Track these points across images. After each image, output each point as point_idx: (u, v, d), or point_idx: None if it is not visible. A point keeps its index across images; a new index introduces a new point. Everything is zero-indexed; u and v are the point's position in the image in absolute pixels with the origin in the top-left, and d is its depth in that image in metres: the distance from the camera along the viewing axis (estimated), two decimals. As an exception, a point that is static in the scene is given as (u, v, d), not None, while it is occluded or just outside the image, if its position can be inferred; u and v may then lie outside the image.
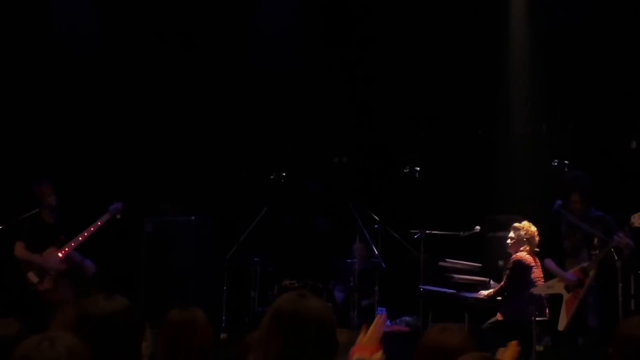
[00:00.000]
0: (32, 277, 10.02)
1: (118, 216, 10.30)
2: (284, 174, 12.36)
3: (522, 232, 9.86)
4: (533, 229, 9.86)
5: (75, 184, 11.83)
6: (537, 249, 9.86)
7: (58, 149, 12.94)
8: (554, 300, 9.22)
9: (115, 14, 13.30)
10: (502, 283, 9.91)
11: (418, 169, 12.68)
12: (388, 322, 11.29)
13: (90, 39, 13.18)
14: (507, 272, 9.79)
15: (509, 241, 9.95)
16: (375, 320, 3.72)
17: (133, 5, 13.33)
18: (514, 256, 9.78)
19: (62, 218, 10.36)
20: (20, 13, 12.91)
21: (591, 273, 8.79)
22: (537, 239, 9.83)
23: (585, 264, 8.85)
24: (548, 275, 9.42)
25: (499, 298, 9.97)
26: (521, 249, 9.83)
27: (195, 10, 13.47)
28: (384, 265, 10.84)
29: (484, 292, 10.23)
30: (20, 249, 10.09)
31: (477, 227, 10.82)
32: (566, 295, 8.97)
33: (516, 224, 9.97)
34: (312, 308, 3.20)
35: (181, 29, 13.50)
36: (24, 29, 12.89)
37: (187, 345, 4.61)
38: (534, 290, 9.44)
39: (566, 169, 11.42)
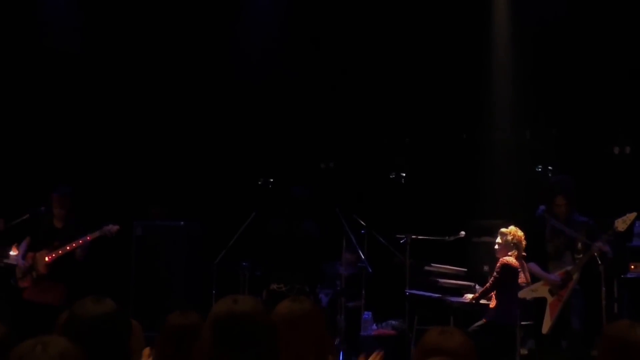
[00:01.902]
0: (18, 272, 10.17)
1: (109, 237, 10.30)
2: (272, 179, 12.41)
3: (510, 237, 9.90)
4: (520, 233, 9.89)
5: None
6: (524, 254, 9.93)
7: (51, 152, 13.01)
8: (538, 304, 9.28)
9: (106, 21, 13.34)
10: (486, 284, 9.97)
11: (404, 174, 12.74)
12: (374, 326, 11.34)
13: (82, 48, 13.24)
14: (494, 274, 9.84)
15: (496, 246, 9.98)
16: (373, 356, 3.75)
17: (123, 12, 13.36)
18: (501, 259, 9.81)
19: (71, 225, 10.36)
20: (13, 18, 12.97)
21: (575, 276, 8.83)
22: (524, 243, 9.89)
23: (569, 268, 8.89)
24: (533, 278, 9.49)
25: (484, 301, 10.04)
26: (509, 253, 9.88)
27: (183, 16, 13.49)
28: (370, 270, 10.82)
29: (469, 296, 10.30)
30: (22, 244, 10.31)
31: (462, 232, 10.87)
32: (550, 299, 8.99)
33: (503, 229, 10.00)
34: (245, 311, 3.23)
35: (172, 36, 13.53)
36: (15, 38, 12.96)
37: (187, 349, 4.61)
38: (520, 294, 9.50)
39: (550, 174, 11.48)
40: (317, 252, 10.01)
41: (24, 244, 10.29)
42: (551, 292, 9.01)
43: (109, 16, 13.35)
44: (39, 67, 13.01)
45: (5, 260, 10.80)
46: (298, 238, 9.83)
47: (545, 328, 8.97)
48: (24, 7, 13.06)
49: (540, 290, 9.14)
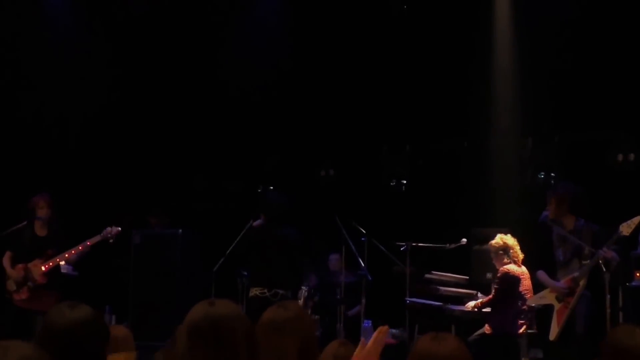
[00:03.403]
0: (10, 285, 10.00)
1: (111, 240, 10.18)
2: (271, 187, 12.35)
3: (500, 245, 9.81)
4: (510, 240, 9.79)
5: (65, 196, 11.81)
6: (521, 256, 9.80)
7: (51, 161, 13.02)
8: (545, 311, 9.17)
9: (102, 29, 13.31)
10: (490, 295, 9.85)
11: (404, 181, 12.67)
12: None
13: (83, 53, 13.20)
14: (494, 285, 9.73)
15: (493, 260, 9.91)
16: (375, 334, 3.66)
17: (126, 23, 13.33)
18: (501, 269, 9.69)
19: (57, 232, 10.25)
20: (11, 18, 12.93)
21: (581, 282, 8.76)
22: (516, 248, 9.78)
23: (575, 274, 8.82)
24: (541, 287, 9.37)
25: (486, 310, 9.92)
26: (506, 261, 9.77)
27: (183, 24, 13.47)
28: (370, 277, 10.76)
29: (471, 304, 10.18)
30: (4, 259, 10.12)
31: (464, 240, 10.77)
32: (557, 306, 8.91)
33: (491, 242, 9.90)
34: (221, 313, 3.17)
35: (169, 42, 13.53)
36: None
37: None
38: (528, 302, 9.40)
39: (552, 182, 11.43)
40: (296, 257, 9.93)
41: (6, 260, 10.13)
42: (558, 299, 8.93)
43: (111, 26, 13.31)
44: (42, 72, 12.97)
45: None
46: (276, 243, 9.74)
47: (552, 335, 8.90)
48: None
49: (548, 297, 9.08)
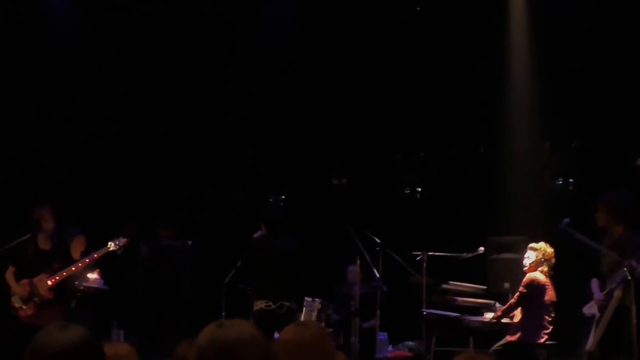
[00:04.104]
0: (15, 301, 9.78)
1: (119, 252, 10.00)
2: (283, 196, 12.22)
3: (540, 254, 9.57)
4: (550, 250, 9.58)
5: (71, 207, 11.71)
6: (552, 272, 9.56)
7: (58, 170, 12.94)
8: (588, 321, 8.99)
9: (109, 36, 13.24)
10: (511, 300, 9.63)
11: (419, 189, 12.51)
12: (390, 348, 11.08)
13: (90, 60, 13.12)
14: (520, 289, 9.50)
15: (526, 261, 9.62)
16: None
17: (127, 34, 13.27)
18: (528, 275, 9.49)
19: (61, 245, 10.07)
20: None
21: (616, 293, 8.55)
22: (553, 260, 9.55)
23: (613, 285, 8.64)
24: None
25: (505, 320, 9.69)
26: (538, 269, 9.54)
27: (190, 39, 13.42)
28: (385, 289, 10.60)
29: (489, 315, 9.98)
30: (8, 274, 9.91)
31: (481, 249, 10.60)
32: (597, 316, 8.79)
33: (533, 245, 9.67)
34: (231, 337, 2.95)
35: (176, 53, 13.49)
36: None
37: None
38: (584, 310, 9.16)
39: (571, 188, 11.25)
40: (299, 266, 9.71)
41: (10, 276, 9.89)
42: (599, 309, 8.73)
43: (118, 33, 13.26)
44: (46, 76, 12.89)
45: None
46: (278, 253, 9.57)
47: (589, 345, 8.75)
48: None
49: (595, 307, 8.93)
